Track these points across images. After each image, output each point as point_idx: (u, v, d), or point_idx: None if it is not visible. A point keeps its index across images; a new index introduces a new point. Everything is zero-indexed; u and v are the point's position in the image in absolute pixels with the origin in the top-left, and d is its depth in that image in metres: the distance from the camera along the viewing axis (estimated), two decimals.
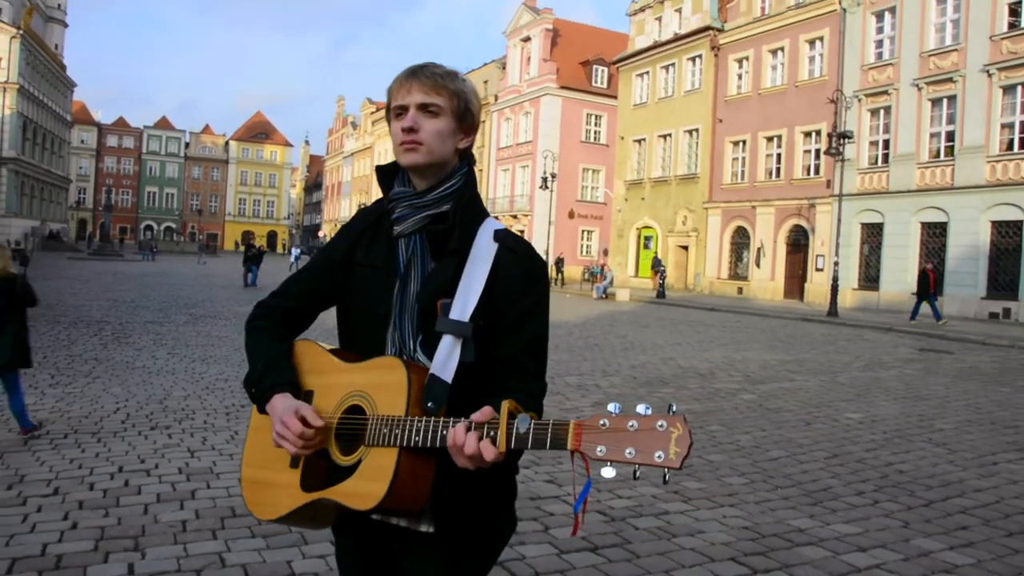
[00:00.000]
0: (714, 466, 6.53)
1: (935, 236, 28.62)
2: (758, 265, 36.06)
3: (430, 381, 1.70)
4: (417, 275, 1.82)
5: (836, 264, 27.18)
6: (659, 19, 43.42)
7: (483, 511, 1.81)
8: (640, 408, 1.45)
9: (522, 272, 1.80)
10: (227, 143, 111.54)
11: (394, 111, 1.85)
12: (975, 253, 27.00)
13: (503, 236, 1.83)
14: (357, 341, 1.90)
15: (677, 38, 41.28)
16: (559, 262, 45.76)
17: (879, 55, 31.05)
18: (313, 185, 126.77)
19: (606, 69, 53.13)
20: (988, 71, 26.64)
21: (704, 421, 8.41)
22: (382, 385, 1.71)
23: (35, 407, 7.91)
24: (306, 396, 1.84)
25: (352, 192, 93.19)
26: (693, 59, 40.70)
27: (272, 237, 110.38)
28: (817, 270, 32.80)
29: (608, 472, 1.44)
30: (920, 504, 5.64)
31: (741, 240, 37.63)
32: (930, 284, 24.22)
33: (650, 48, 43.37)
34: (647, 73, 44.01)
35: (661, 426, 1.41)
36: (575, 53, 54.38)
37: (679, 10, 41.74)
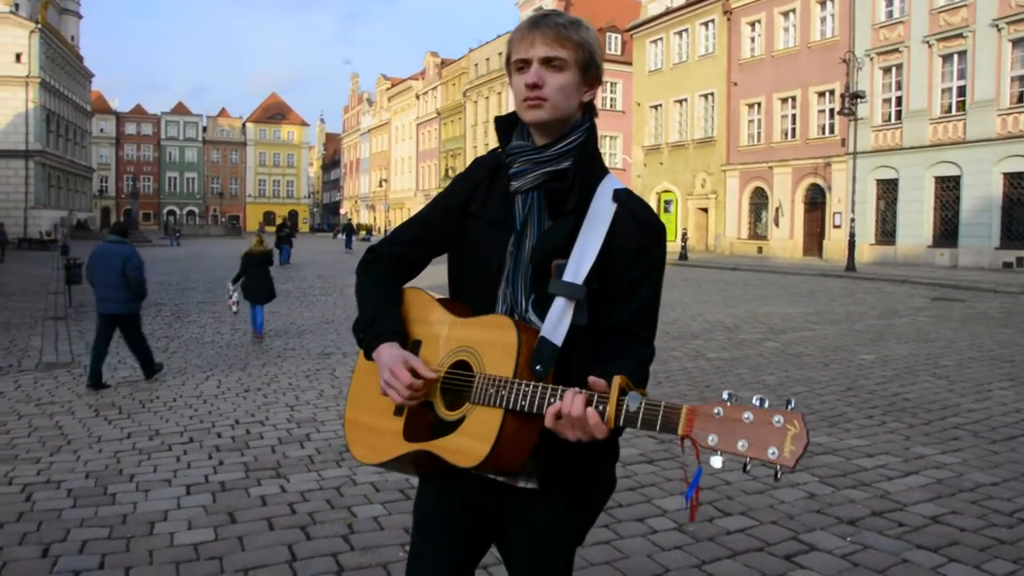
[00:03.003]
0: (743, 399, 7.53)
1: (949, 190, 29.28)
2: (777, 224, 36.82)
3: (540, 344, 1.69)
4: (533, 233, 1.80)
5: (853, 221, 27.98)
6: None
7: (584, 469, 1.82)
8: (756, 400, 1.44)
9: (640, 236, 1.77)
10: (244, 125, 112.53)
11: (515, 64, 1.80)
12: (988, 205, 27.66)
13: (624, 196, 1.80)
14: (468, 294, 1.90)
15: (689, 3, 41.71)
16: None
17: (889, 13, 31.52)
18: (331, 163, 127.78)
19: (619, 36, 53.58)
20: (997, 25, 27.13)
21: (732, 366, 9.42)
22: (492, 343, 1.72)
23: (132, 377, 9.04)
24: (413, 346, 1.86)
25: (371, 168, 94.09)
26: (706, 24, 41.18)
27: (293, 216, 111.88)
28: (835, 227, 33.52)
29: (716, 461, 1.44)
30: (920, 423, 6.65)
31: (759, 200, 38.36)
32: None
33: (663, 15, 43.84)
34: (661, 39, 44.54)
35: (778, 421, 1.40)
36: (588, 21, 54.75)
37: None
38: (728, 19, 39.33)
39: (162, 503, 4.80)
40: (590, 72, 1.80)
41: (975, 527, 4.31)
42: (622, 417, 1.50)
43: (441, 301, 1.90)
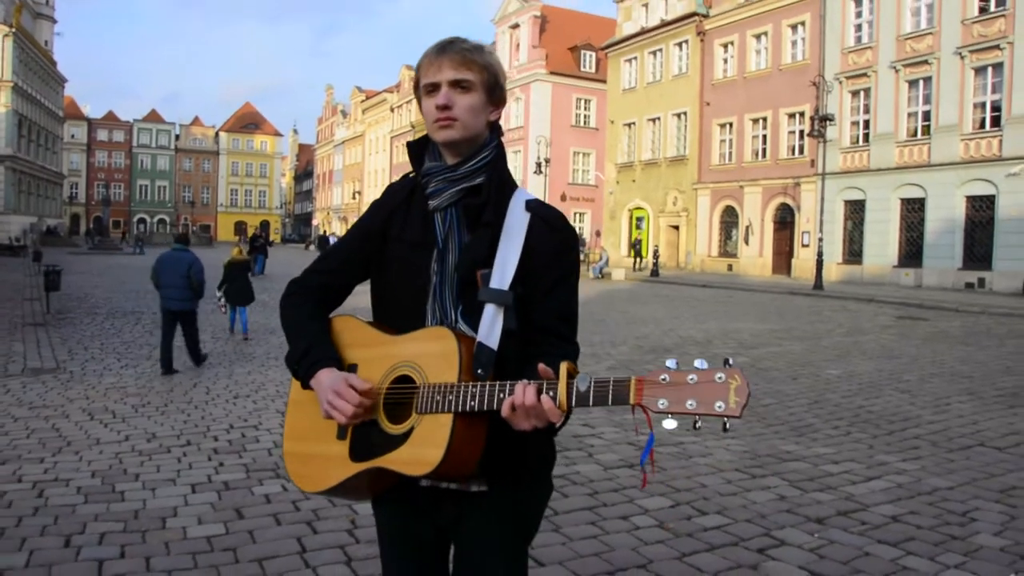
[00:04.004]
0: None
1: (914, 211, 30.07)
2: (747, 243, 37.50)
3: (478, 349, 1.77)
4: (455, 247, 1.87)
5: (821, 240, 28.70)
6: (645, 5, 44.59)
7: (529, 471, 1.90)
8: (698, 363, 1.52)
9: (555, 241, 1.87)
10: (217, 134, 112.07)
11: (425, 88, 1.88)
12: (952, 227, 28.47)
13: (535, 206, 1.90)
14: (395, 314, 1.94)
15: (664, 24, 42.48)
16: None
17: (858, 39, 32.40)
18: (303, 174, 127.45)
19: (594, 54, 54.28)
20: (961, 53, 28.01)
21: None
22: (432, 354, 1.77)
23: (120, 383, 9.23)
24: (349, 369, 1.90)
25: (344, 180, 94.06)
26: (680, 44, 41.93)
27: (265, 227, 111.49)
28: (803, 246, 34.25)
29: (669, 424, 1.52)
30: (883, 433, 7.05)
31: (730, 219, 39.05)
32: None
33: (637, 34, 44.57)
34: (635, 58, 45.24)
35: (720, 378, 1.49)
36: (564, 39, 55.45)
37: None
38: (702, 40, 40.10)
39: (170, 500, 5.05)
40: (495, 93, 1.91)
41: (931, 525, 4.69)
42: (573, 397, 1.58)
43: (371, 324, 1.96)
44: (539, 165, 43.19)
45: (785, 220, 35.94)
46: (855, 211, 32.47)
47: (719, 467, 5.88)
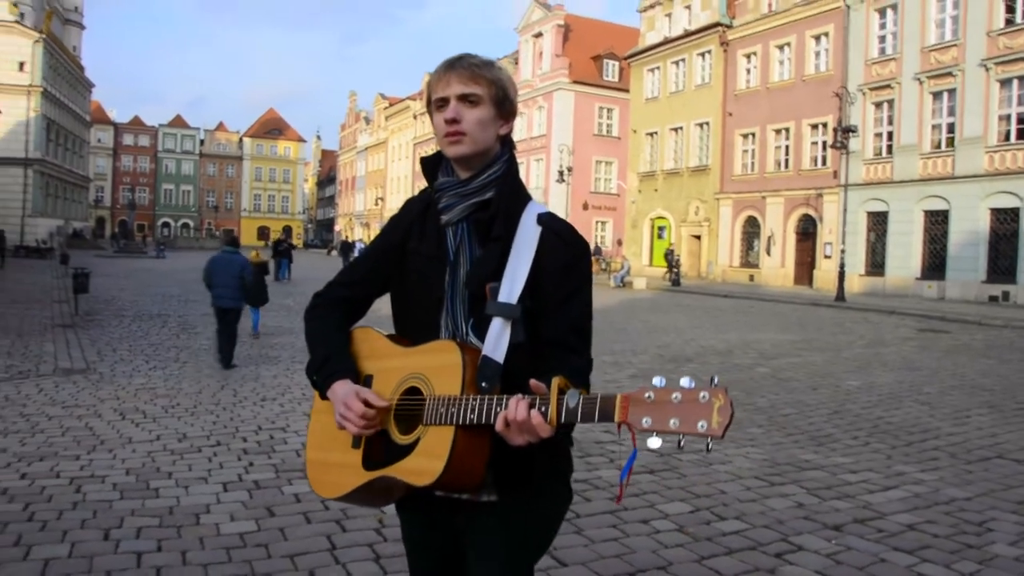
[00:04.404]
0: (737, 421, 7.90)
1: (937, 223, 29.94)
2: (769, 253, 37.44)
3: (483, 362, 1.79)
4: (466, 261, 1.91)
5: (843, 251, 28.61)
6: (669, 15, 44.69)
7: (542, 481, 1.92)
8: (684, 381, 1.52)
9: (565, 254, 1.89)
10: (241, 140, 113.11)
11: (435, 104, 1.92)
12: (976, 239, 28.32)
13: (547, 219, 1.91)
14: (411, 326, 2.00)
15: (687, 34, 42.56)
16: None
17: (882, 50, 32.33)
18: (326, 180, 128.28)
19: (617, 63, 54.40)
20: (986, 65, 27.90)
21: None
22: (438, 367, 1.81)
23: (150, 385, 9.42)
24: (365, 381, 1.95)
25: (367, 186, 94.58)
26: (703, 54, 41.99)
27: (288, 232, 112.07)
28: (825, 257, 34.16)
29: (654, 442, 1.52)
30: (902, 444, 7.11)
31: (752, 229, 39.00)
32: None
33: (660, 44, 44.65)
34: (658, 68, 45.33)
35: (703, 397, 1.48)
36: (586, 48, 55.61)
37: (688, 7, 42.99)
38: (725, 50, 40.13)
39: (203, 498, 5.21)
40: (504, 107, 1.93)
41: (947, 534, 4.76)
42: (563, 414, 1.60)
43: (389, 337, 2.01)
44: (561, 174, 43.36)
45: (807, 231, 35.86)
46: (878, 223, 32.36)
47: (738, 474, 5.97)
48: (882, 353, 13.82)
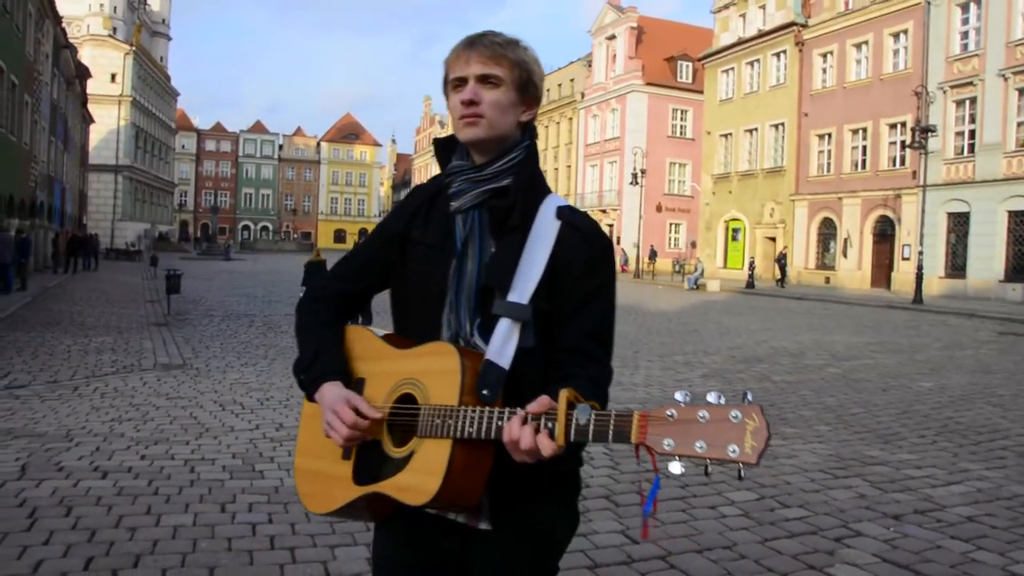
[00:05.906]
0: (805, 419, 8.21)
1: (1022, 224, 29.21)
2: (845, 255, 36.96)
3: (485, 368, 1.61)
4: (475, 253, 1.73)
5: (921, 253, 28.14)
6: (743, 16, 44.45)
7: (544, 506, 1.72)
8: (711, 397, 1.35)
9: (586, 251, 1.72)
10: (318, 144, 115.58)
11: (452, 83, 1.77)
12: None
13: (567, 213, 1.75)
14: (411, 324, 1.82)
15: (761, 34, 42.27)
16: (652, 254, 47.85)
17: (964, 46, 31.68)
18: (401, 183, 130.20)
19: (691, 64, 54.28)
20: None
21: (795, 388, 10.07)
22: (434, 372, 1.64)
23: (243, 379, 10.03)
24: (357, 384, 1.77)
25: None
26: (777, 54, 41.66)
27: (363, 235, 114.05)
28: (904, 259, 33.59)
29: (675, 467, 1.35)
30: (969, 443, 7.25)
31: (828, 231, 38.54)
32: None
33: (735, 45, 44.44)
34: (732, 69, 45.11)
35: (735, 417, 1.31)
36: (660, 49, 55.55)
37: (763, 7, 42.70)
38: (800, 50, 39.75)
39: None
40: (527, 91, 1.78)
41: (1005, 526, 4.96)
42: (572, 432, 1.43)
43: (385, 336, 1.83)
44: (635, 176, 43.53)
45: (885, 232, 35.30)
46: (958, 224, 31.71)
47: (804, 468, 6.23)
48: (957, 356, 13.75)
